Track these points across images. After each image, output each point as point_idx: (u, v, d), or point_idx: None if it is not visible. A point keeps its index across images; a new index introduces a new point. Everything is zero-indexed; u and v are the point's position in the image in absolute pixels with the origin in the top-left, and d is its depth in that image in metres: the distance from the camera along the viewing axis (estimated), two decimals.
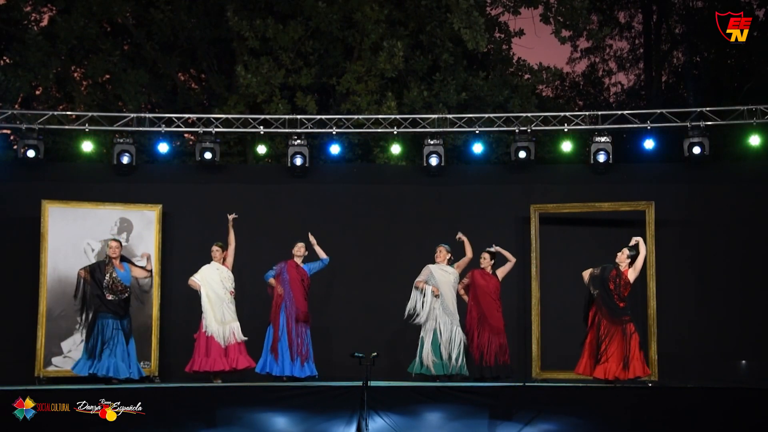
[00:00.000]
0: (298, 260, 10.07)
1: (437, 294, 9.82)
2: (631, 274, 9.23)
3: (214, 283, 9.86)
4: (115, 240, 9.94)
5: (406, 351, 11.03)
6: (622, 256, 9.28)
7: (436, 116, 11.82)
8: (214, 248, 9.98)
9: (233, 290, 9.91)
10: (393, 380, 9.30)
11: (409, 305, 9.93)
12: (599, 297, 9.21)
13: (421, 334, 9.90)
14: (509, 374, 9.95)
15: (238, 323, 9.88)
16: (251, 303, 10.59)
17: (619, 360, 9.02)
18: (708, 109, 11.32)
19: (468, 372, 9.82)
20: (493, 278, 10.07)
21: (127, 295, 9.68)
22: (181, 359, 10.10)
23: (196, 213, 11.46)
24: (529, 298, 10.93)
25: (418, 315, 9.88)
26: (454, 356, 9.75)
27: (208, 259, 10.11)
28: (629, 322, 9.14)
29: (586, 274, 9.38)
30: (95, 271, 9.64)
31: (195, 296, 9.96)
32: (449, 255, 10.04)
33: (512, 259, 10.23)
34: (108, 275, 9.59)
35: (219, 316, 9.80)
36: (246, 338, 9.88)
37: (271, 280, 10.02)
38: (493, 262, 10.12)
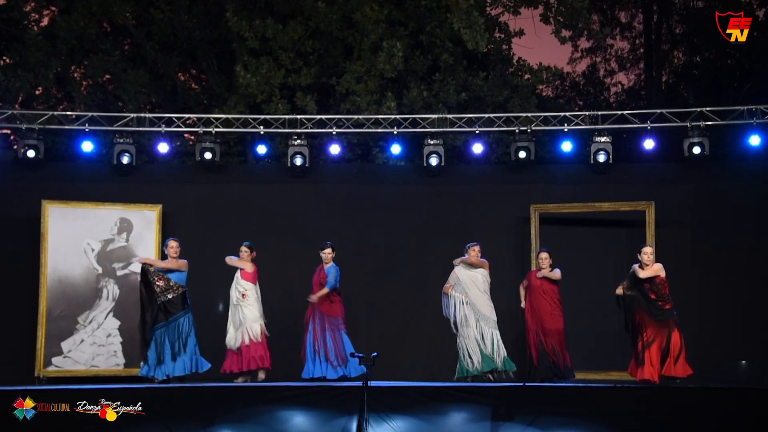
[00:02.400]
0: (326, 264, 9.93)
1: (466, 301, 9.80)
2: (659, 270, 9.21)
3: (232, 287, 9.88)
4: (174, 240, 9.81)
5: (405, 350, 11.06)
6: (645, 256, 9.27)
7: (436, 116, 11.82)
8: (243, 249, 9.90)
9: (245, 293, 9.80)
10: (391, 380, 9.29)
11: (446, 314, 9.92)
12: (640, 304, 9.18)
13: (458, 340, 9.84)
14: (570, 375, 9.88)
15: (257, 324, 9.76)
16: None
17: (674, 358, 8.98)
18: (708, 109, 11.32)
19: (490, 367, 9.70)
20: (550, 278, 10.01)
21: (181, 291, 9.53)
22: None
23: (196, 213, 11.46)
24: None
25: (453, 323, 9.85)
26: (476, 358, 9.70)
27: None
28: (675, 324, 9.11)
29: (620, 289, 9.35)
30: (146, 275, 9.53)
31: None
32: (480, 255, 9.96)
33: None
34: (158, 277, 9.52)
35: (235, 319, 9.79)
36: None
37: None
38: (551, 261, 10.04)
